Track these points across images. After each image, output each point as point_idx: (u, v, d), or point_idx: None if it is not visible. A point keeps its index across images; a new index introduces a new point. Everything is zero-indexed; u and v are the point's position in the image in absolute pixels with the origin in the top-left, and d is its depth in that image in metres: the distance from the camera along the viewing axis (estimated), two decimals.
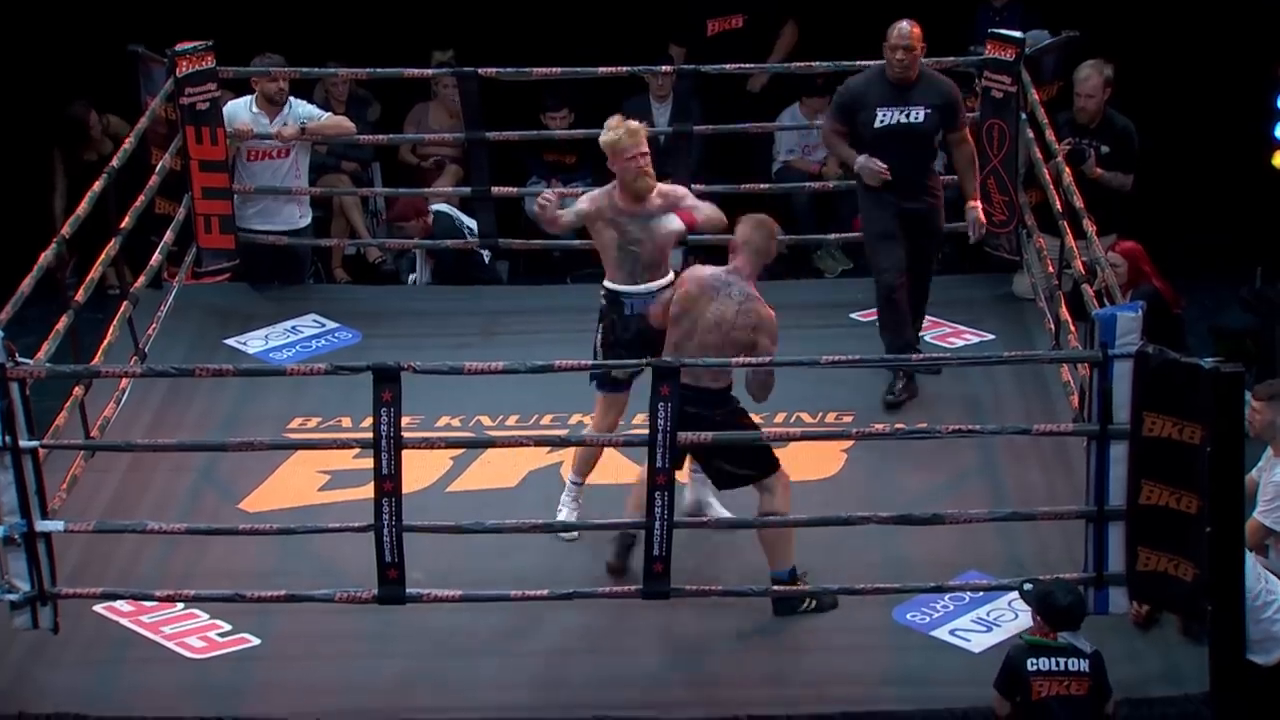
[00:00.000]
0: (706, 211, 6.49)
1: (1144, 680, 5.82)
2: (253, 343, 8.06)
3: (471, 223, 8.86)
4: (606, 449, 6.51)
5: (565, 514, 6.46)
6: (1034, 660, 5.51)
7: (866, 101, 7.28)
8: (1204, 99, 9.69)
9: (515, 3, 9.88)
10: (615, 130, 6.36)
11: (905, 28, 7.27)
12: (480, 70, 8.21)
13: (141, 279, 7.60)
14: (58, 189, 9.37)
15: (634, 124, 6.39)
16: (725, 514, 6.38)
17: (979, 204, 7.40)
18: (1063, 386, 7.12)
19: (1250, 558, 5.88)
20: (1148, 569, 5.80)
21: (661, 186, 6.46)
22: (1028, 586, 5.66)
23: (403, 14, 9.94)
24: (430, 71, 8.99)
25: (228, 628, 6.15)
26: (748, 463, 6.06)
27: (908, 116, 7.22)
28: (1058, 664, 5.50)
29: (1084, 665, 5.50)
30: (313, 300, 8.44)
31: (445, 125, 9.49)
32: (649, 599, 5.89)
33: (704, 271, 6.15)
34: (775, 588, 6.01)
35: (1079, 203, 7.15)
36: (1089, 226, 7.00)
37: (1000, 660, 5.60)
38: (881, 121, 7.23)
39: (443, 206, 9.06)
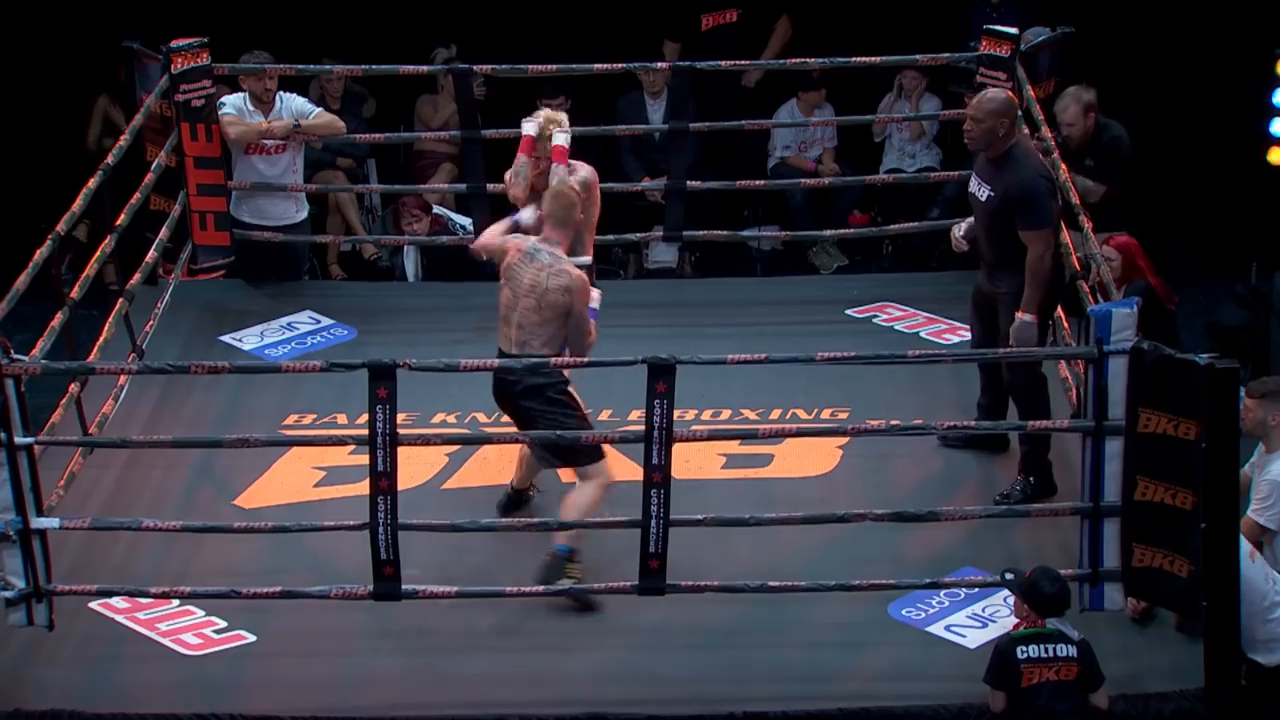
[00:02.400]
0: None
1: (1140, 676, 5.83)
2: (248, 339, 8.05)
3: (464, 222, 8.86)
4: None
5: None
6: (1024, 648, 5.53)
7: (975, 163, 6.74)
8: (1200, 95, 9.70)
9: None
10: (560, 127, 6.64)
11: (981, 95, 6.62)
12: (476, 67, 8.21)
13: (137, 276, 7.59)
14: (91, 133, 9.54)
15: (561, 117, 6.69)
16: None
17: (1027, 317, 6.52)
18: (1060, 383, 7.12)
19: (1259, 559, 5.89)
20: (1143, 565, 5.81)
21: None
22: (1009, 576, 5.68)
23: (405, 10, 9.93)
24: (425, 68, 9.00)
25: (223, 624, 6.15)
26: (564, 450, 6.17)
27: (979, 191, 6.62)
28: (1047, 650, 5.52)
29: (1072, 651, 5.53)
30: (308, 297, 8.43)
31: (453, 118, 9.50)
32: (645, 595, 5.89)
33: (523, 241, 6.34)
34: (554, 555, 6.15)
35: (1075, 199, 7.15)
36: (1085, 223, 7.00)
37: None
38: (970, 188, 6.70)
39: (436, 209, 9.06)
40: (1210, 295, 9.07)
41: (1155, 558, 5.78)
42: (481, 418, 7.33)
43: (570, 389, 6.27)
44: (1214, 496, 5.64)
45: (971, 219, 6.78)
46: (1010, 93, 6.66)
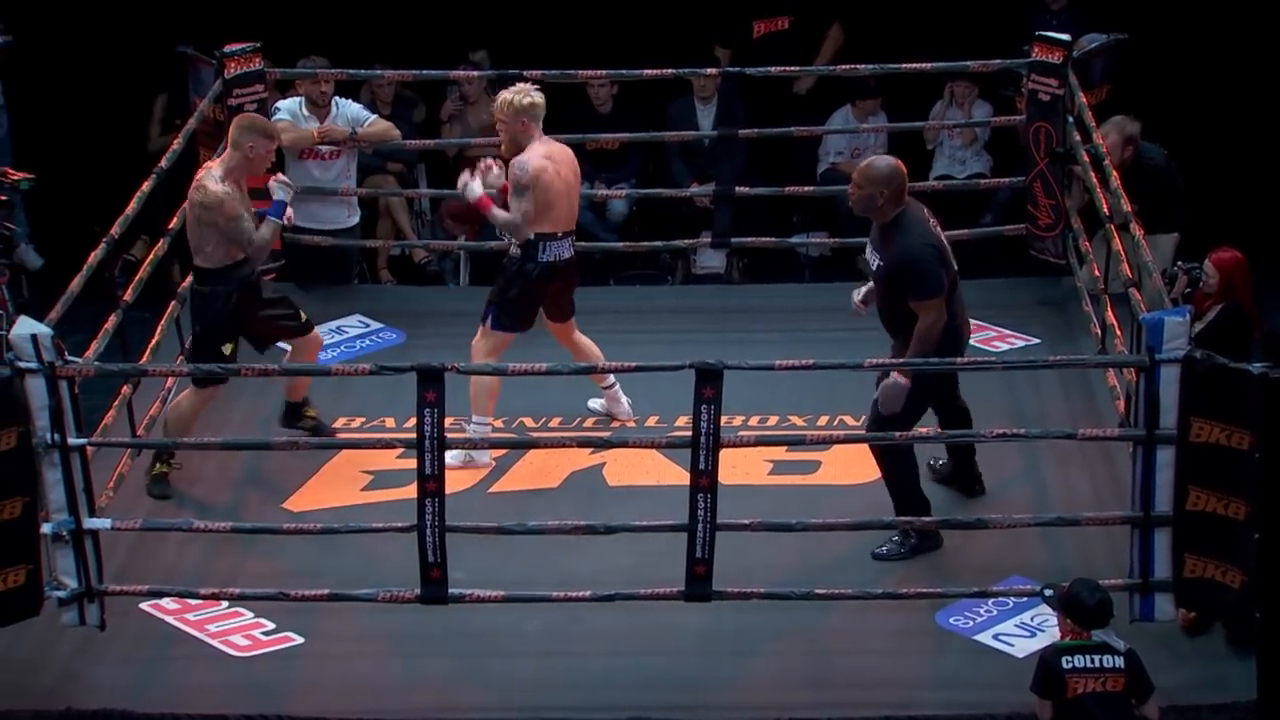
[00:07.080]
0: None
1: (1190, 687, 5.78)
2: None
3: None
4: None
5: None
6: (1069, 658, 5.48)
7: (870, 231, 6.44)
8: (1250, 98, 9.61)
9: (556, 3, 9.89)
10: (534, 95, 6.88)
11: (867, 161, 6.38)
12: (525, 73, 8.22)
13: (189, 279, 7.63)
14: (152, 133, 9.64)
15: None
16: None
17: (901, 379, 6.22)
18: (1109, 391, 7.08)
19: None
20: (1194, 575, 5.76)
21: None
22: (1048, 592, 5.63)
23: (440, 14, 9.96)
24: (475, 74, 9.01)
25: (272, 626, 6.18)
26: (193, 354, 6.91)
27: (872, 259, 6.36)
28: (1093, 661, 5.47)
29: (1119, 662, 5.47)
30: (358, 301, 8.47)
31: (483, 124, 9.51)
32: (691, 601, 5.88)
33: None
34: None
35: (1127, 205, 7.11)
36: (1136, 230, 6.96)
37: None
38: (865, 254, 6.48)
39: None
40: (1263, 303, 8.98)
41: (1207, 568, 5.74)
42: (528, 422, 7.35)
43: (211, 302, 6.80)
44: (1267, 507, 5.59)
45: (871, 284, 6.52)
46: (898, 161, 6.34)
